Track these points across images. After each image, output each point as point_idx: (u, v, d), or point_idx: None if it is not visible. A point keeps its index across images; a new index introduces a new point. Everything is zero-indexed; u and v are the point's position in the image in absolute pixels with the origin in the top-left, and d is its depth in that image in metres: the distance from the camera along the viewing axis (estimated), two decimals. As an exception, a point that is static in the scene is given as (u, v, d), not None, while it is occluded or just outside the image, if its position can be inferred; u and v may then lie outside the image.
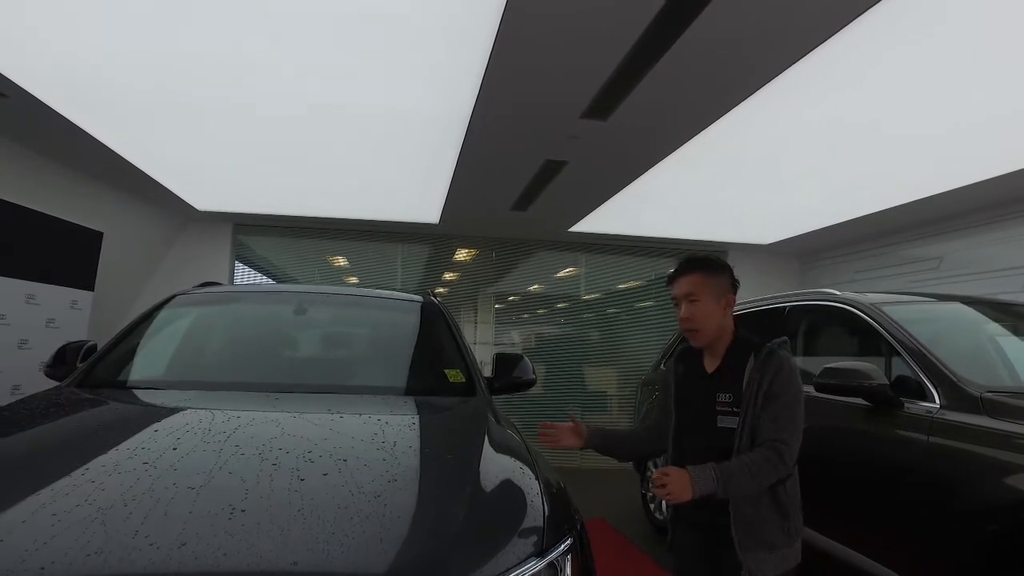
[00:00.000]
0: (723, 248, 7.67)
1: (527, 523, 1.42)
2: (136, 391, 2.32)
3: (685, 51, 3.05)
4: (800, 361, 2.73)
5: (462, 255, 8.17)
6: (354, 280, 8.02)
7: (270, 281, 8.05)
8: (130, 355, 2.54)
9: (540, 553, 1.34)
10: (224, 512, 1.24)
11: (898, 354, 2.91)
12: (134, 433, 1.74)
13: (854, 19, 2.74)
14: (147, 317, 2.75)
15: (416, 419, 2.11)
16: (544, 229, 7.30)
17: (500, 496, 1.55)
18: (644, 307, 8.42)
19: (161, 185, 5.64)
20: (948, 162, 4.55)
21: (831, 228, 6.58)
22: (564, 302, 8.59)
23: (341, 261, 7.96)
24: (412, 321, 3.02)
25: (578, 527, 1.55)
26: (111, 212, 5.72)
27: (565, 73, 3.35)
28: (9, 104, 3.83)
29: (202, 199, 6.34)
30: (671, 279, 2.00)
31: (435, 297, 3.27)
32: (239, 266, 7.54)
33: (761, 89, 3.44)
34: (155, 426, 1.83)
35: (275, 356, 2.74)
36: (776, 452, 1.76)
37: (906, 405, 2.71)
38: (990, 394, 2.47)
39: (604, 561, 4.15)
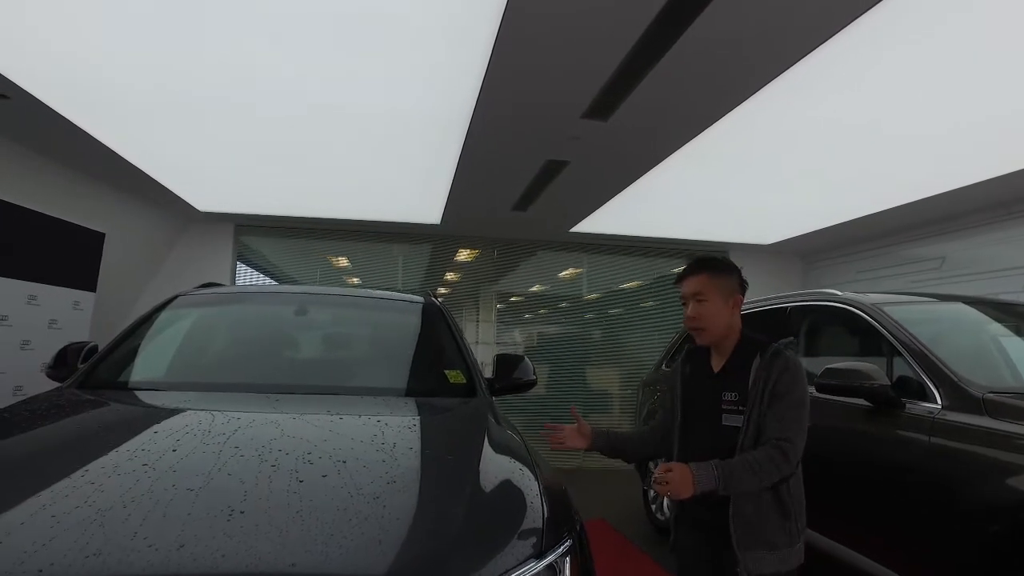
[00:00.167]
0: (724, 248, 7.66)
1: (526, 524, 1.42)
2: (137, 392, 2.32)
3: (686, 51, 3.04)
4: (801, 362, 2.73)
5: (463, 255, 8.17)
6: (355, 280, 8.03)
7: (272, 282, 8.05)
8: (131, 356, 2.55)
9: (539, 555, 1.34)
10: (223, 514, 1.24)
11: (899, 354, 2.90)
12: (134, 434, 1.74)
13: (854, 19, 2.73)
14: (148, 318, 2.76)
15: (416, 420, 2.11)
16: (545, 229, 7.30)
17: (499, 497, 1.55)
18: (646, 307, 8.42)
19: (162, 186, 5.65)
20: (949, 162, 4.54)
21: (833, 228, 6.57)
22: (566, 302, 8.59)
23: (342, 262, 7.96)
24: (412, 322, 3.02)
25: (577, 528, 1.55)
26: (113, 213, 5.73)
27: (566, 73, 3.35)
28: (10, 105, 3.83)
29: (203, 200, 6.35)
30: (680, 278, 2.02)
31: (436, 298, 3.27)
32: (241, 267, 7.54)
33: (762, 89, 3.44)
34: (155, 427, 1.83)
35: (276, 357, 2.74)
36: (780, 451, 1.76)
37: (907, 406, 2.71)
38: (992, 395, 2.47)
39: (604, 561, 4.15)
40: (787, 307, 3.73)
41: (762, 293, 4.11)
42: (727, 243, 7.61)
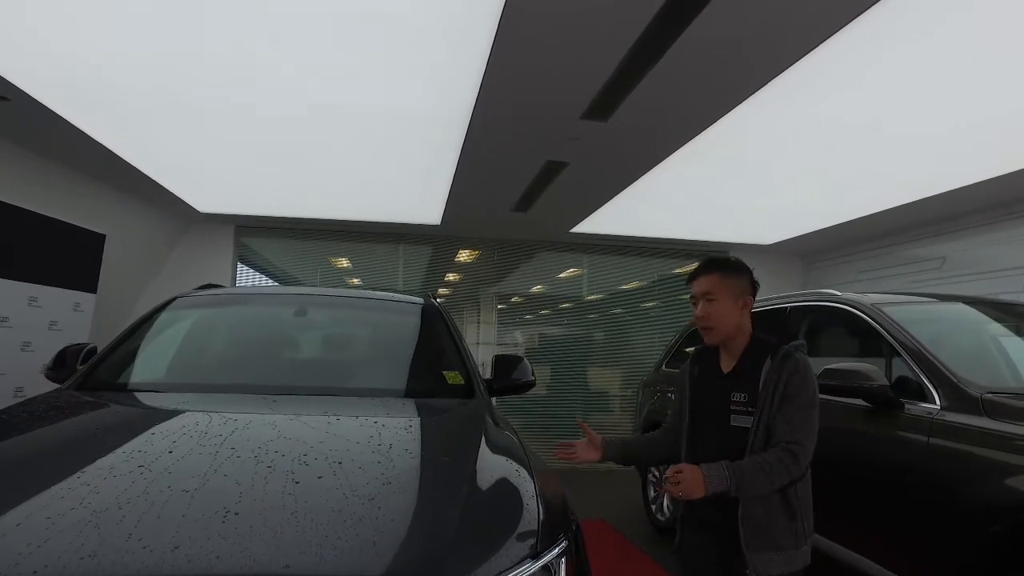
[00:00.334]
0: (724, 248, 7.66)
1: (521, 526, 1.42)
2: (135, 394, 2.32)
3: (685, 51, 3.04)
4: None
5: (464, 256, 8.18)
6: (356, 281, 8.03)
7: (272, 283, 8.06)
8: (130, 358, 2.55)
9: (534, 556, 1.34)
10: (218, 515, 1.24)
11: (898, 355, 2.90)
12: (131, 436, 1.75)
13: (854, 18, 2.73)
14: (147, 320, 2.76)
15: (413, 421, 2.11)
16: (545, 230, 7.30)
17: (495, 499, 1.55)
18: (647, 307, 8.42)
19: (162, 187, 5.66)
20: (950, 162, 4.53)
21: (833, 228, 6.57)
22: (567, 303, 8.59)
23: (343, 262, 7.97)
24: (411, 323, 3.02)
25: (573, 529, 1.55)
26: (113, 214, 5.74)
27: (565, 74, 3.35)
28: (10, 107, 3.84)
29: (204, 201, 6.35)
30: (691, 278, 2.03)
31: (435, 299, 3.27)
32: (241, 268, 7.55)
33: (761, 89, 3.43)
34: (152, 429, 1.84)
35: (274, 358, 2.74)
36: (790, 453, 1.77)
37: (906, 406, 2.71)
38: (990, 395, 2.47)
39: (604, 561, 4.17)
40: (787, 307, 3.73)
41: (762, 293, 4.07)
42: (727, 243, 7.60)
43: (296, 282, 7.83)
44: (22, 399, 2.43)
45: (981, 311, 3.52)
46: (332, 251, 7.87)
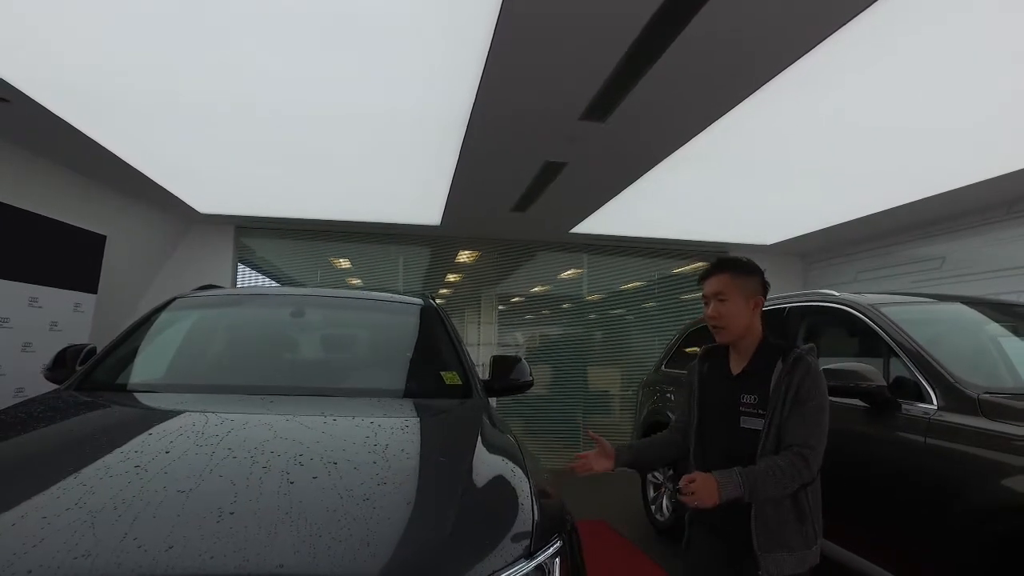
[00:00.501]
0: (724, 249, 7.66)
1: (516, 525, 1.42)
2: (133, 394, 2.33)
3: (683, 51, 3.05)
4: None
5: (464, 256, 8.19)
6: (357, 282, 8.04)
7: (273, 283, 8.07)
8: (128, 358, 2.56)
9: (528, 555, 1.34)
10: (212, 515, 1.25)
11: (896, 355, 2.90)
12: (128, 436, 1.75)
13: (853, 17, 2.73)
14: (146, 320, 2.77)
15: (409, 422, 2.11)
16: (545, 230, 7.31)
17: (490, 498, 1.56)
18: (647, 308, 8.42)
19: (163, 188, 5.67)
20: (950, 161, 4.53)
21: (832, 228, 6.57)
22: (567, 303, 8.59)
23: (343, 263, 7.98)
24: (408, 323, 3.02)
25: (568, 529, 1.56)
26: (113, 215, 5.76)
27: (562, 75, 3.36)
28: (10, 108, 3.85)
29: (204, 202, 6.37)
30: (702, 277, 2.05)
31: (434, 300, 3.27)
32: (242, 268, 7.57)
33: (760, 89, 3.43)
34: (149, 429, 1.84)
35: (272, 359, 2.75)
36: (802, 458, 1.78)
37: (904, 406, 2.71)
38: (987, 395, 2.47)
39: (604, 562, 4.17)
40: (785, 308, 3.73)
41: (761, 294, 4.10)
42: (727, 243, 7.61)
43: (296, 283, 7.84)
44: (22, 399, 2.44)
45: (980, 311, 3.51)
46: (332, 252, 7.88)
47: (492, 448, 1.87)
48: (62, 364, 2.57)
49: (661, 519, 4.65)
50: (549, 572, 1.37)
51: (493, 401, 2.83)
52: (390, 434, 1.88)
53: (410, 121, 4.12)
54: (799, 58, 3.08)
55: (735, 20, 2.79)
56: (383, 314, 3.13)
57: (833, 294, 3.47)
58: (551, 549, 1.40)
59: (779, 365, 1.88)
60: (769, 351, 1.95)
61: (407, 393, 2.49)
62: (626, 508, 5.29)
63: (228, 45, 3.17)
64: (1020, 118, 3.68)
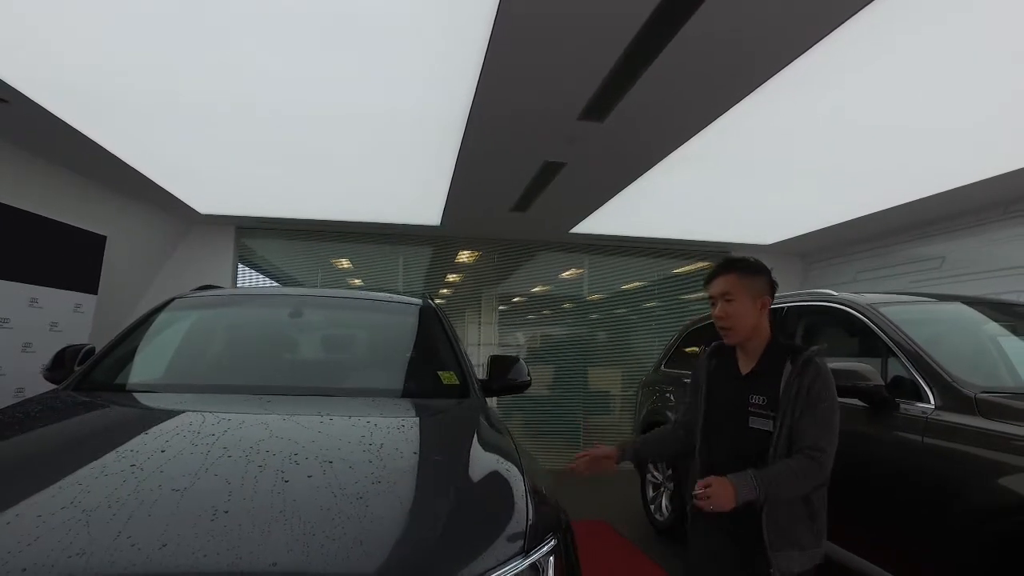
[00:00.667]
0: (724, 249, 7.66)
1: (510, 524, 1.43)
2: (130, 394, 2.33)
3: (681, 51, 3.04)
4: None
5: (464, 257, 8.19)
6: (357, 282, 8.05)
7: (273, 284, 8.08)
8: (127, 358, 2.57)
9: (522, 554, 1.35)
10: (207, 514, 1.25)
11: (894, 355, 2.90)
12: (124, 435, 1.76)
13: (853, 15, 2.72)
14: (145, 321, 2.78)
15: (406, 421, 2.11)
16: (545, 230, 7.31)
17: (484, 497, 1.56)
18: (648, 308, 8.42)
19: (163, 188, 5.68)
20: (950, 161, 4.53)
21: (832, 228, 6.57)
22: (568, 303, 8.60)
23: (344, 263, 7.99)
24: (405, 323, 3.03)
25: (563, 528, 1.56)
26: (114, 216, 5.77)
27: (560, 75, 3.36)
28: (9, 109, 3.86)
29: (204, 202, 6.38)
30: (709, 278, 2.05)
31: (432, 300, 3.28)
32: (242, 269, 7.57)
33: (759, 88, 3.43)
34: (145, 429, 1.85)
35: (270, 359, 2.75)
36: (816, 460, 1.81)
37: (902, 406, 2.71)
38: (985, 394, 2.47)
39: (604, 561, 4.17)
40: (783, 307, 3.73)
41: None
42: (727, 243, 7.60)
43: (297, 283, 7.85)
44: (21, 400, 2.45)
45: (979, 311, 3.51)
46: (332, 252, 7.89)
47: (488, 447, 1.87)
48: (61, 364, 2.58)
49: (660, 519, 4.65)
50: (543, 571, 1.38)
51: (493, 401, 2.84)
52: (386, 433, 1.89)
53: (410, 121, 4.13)
54: (798, 57, 3.08)
55: (733, 19, 2.79)
56: (380, 314, 3.14)
57: (831, 293, 3.47)
58: (545, 548, 1.41)
59: (788, 366, 1.89)
60: (778, 352, 1.96)
61: (404, 393, 2.50)
62: (626, 508, 5.29)
63: (228, 45, 3.17)
64: (1019, 118, 3.67)
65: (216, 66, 3.40)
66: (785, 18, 2.77)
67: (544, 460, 7.19)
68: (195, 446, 1.61)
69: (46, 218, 4.83)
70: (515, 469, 1.70)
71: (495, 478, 1.68)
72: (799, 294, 3.78)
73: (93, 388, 2.31)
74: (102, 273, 5.47)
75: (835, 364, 2.80)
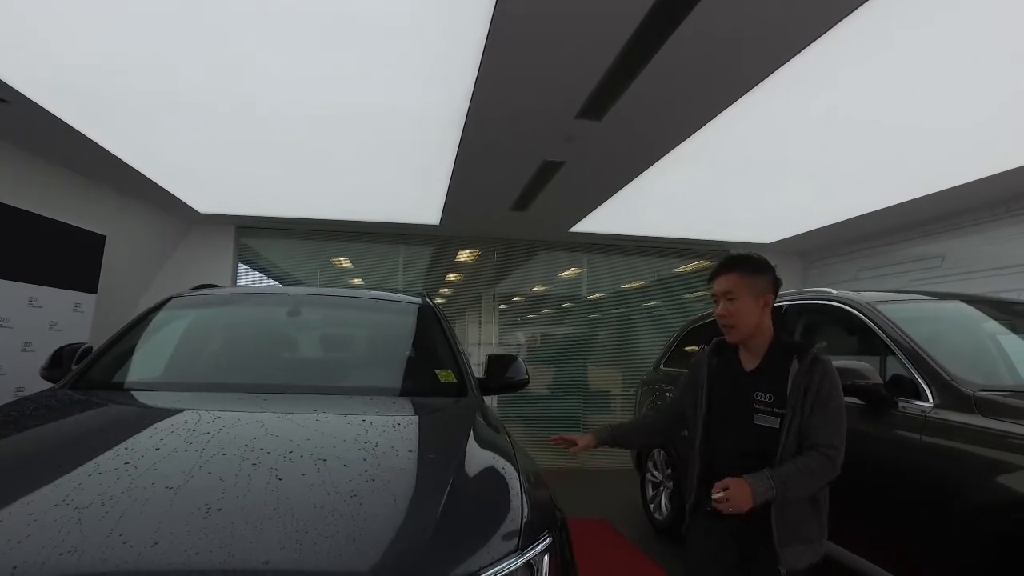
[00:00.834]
0: (724, 248, 7.64)
1: (505, 522, 1.42)
2: (127, 392, 2.34)
3: (678, 49, 3.04)
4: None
5: (464, 256, 8.19)
6: (358, 282, 8.05)
7: (273, 283, 8.09)
8: (124, 357, 2.57)
9: (517, 552, 1.34)
10: (199, 512, 1.25)
11: (893, 353, 2.89)
12: (119, 433, 1.76)
13: (852, 11, 2.71)
14: (143, 319, 2.78)
15: (402, 420, 2.11)
16: (545, 229, 7.30)
17: (479, 495, 1.56)
18: (648, 307, 8.41)
19: (162, 188, 5.68)
20: (951, 159, 4.52)
21: (833, 227, 6.55)
22: (568, 302, 8.59)
23: (344, 263, 7.99)
24: (403, 322, 3.02)
25: (558, 526, 1.56)
26: (113, 215, 5.77)
27: (557, 74, 3.35)
28: (9, 109, 3.86)
29: (204, 202, 6.38)
30: (712, 276, 2.04)
31: (430, 298, 3.27)
32: (242, 268, 7.58)
33: (758, 86, 3.42)
34: (140, 427, 1.85)
35: (267, 357, 2.75)
36: (829, 458, 1.82)
37: (900, 404, 2.70)
38: (983, 393, 2.46)
39: (603, 560, 4.17)
40: (783, 306, 3.71)
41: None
42: (727, 242, 7.59)
43: (297, 282, 7.85)
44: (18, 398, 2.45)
45: (979, 309, 3.50)
46: (332, 251, 7.89)
47: (484, 445, 1.87)
48: (58, 363, 2.58)
49: (660, 518, 4.64)
50: (538, 569, 1.37)
51: (492, 400, 2.83)
52: (381, 432, 1.89)
53: (409, 121, 4.13)
54: (797, 54, 3.07)
55: (730, 17, 2.78)
56: (378, 313, 3.13)
57: (831, 292, 3.46)
58: (540, 546, 1.40)
59: (795, 364, 1.89)
60: (783, 349, 1.96)
61: (401, 391, 2.50)
62: (626, 508, 5.28)
63: (228, 45, 3.17)
64: (1020, 116, 3.66)
65: (216, 66, 3.40)
66: (783, 15, 2.76)
67: (544, 459, 7.18)
68: (189, 444, 1.61)
69: (46, 217, 4.83)
70: (511, 467, 1.70)
71: (490, 476, 1.68)
72: (798, 293, 3.77)
73: (90, 387, 2.31)
74: (102, 273, 5.47)
75: (834, 362, 2.80)
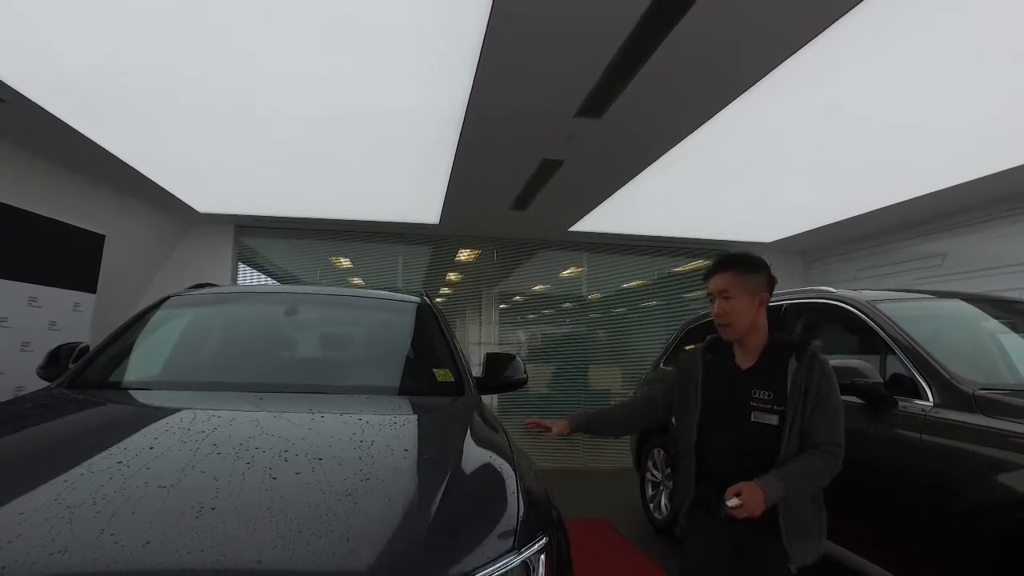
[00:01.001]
0: (724, 247, 7.63)
1: (501, 522, 1.41)
2: (123, 391, 2.33)
3: (677, 47, 3.03)
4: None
5: (464, 255, 8.18)
6: (358, 281, 8.04)
7: (273, 282, 8.08)
8: (121, 356, 2.55)
9: (513, 552, 1.33)
10: (192, 511, 1.24)
11: (893, 352, 2.88)
12: (113, 432, 1.75)
13: (852, 8, 2.70)
14: (140, 318, 2.77)
15: (398, 419, 2.10)
16: (544, 228, 7.29)
17: (475, 495, 1.55)
18: (648, 306, 8.40)
19: (162, 188, 5.68)
20: (952, 157, 4.51)
21: (833, 226, 6.54)
22: (568, 302, 8.58)
23: (343, 262, 7.99)
24: (401, 321, 3.01)
25: (555, 525, 1.55)
26: (112, 215, 5.77)
27: (556, 72, 3.34)
28: (8, 108, 3.86)
29: (203, 201, 6.38)
30: (707, 275, 2.06)
31: (428, 297, 3.26)
32: (242, 268, 7.57)
33: (758, 84, 3.41)
34: (135, 426, 1.84)
35: (264, 356, 2.74)
36: (834, 456, 1.85)
37: (900, 403, 2.69)
38: (983, 391, 2.45)
39: (603, 560, 4.15)
40: (782, 305, 3.70)
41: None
42: (728, 241, 7.58)
43: (296, 282, 7.84)
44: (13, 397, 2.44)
45: (979, 308, 3.49)
46: (332, 251, 7.89)
47: (481, 445, 1.86)
48: (55, 362, 2.57)
49: (660, 517, 4.63)
50: (534, 569, 1.36)
51: (492, 399, 2.82)
52: (377, 431, 1.88)
53: (408, 121, 4.12)
54: (796, 52, 3.06)
55: (729, 15, 2.77)
56: (375, 311, 3.12)
57: (831, 291, 3.45)
58: (536, 546, 1.39)
59: (793, 362, 1.90)
60: (779, 347, 1.98)
61: (398, 390, 2.48)
62: (626, 507, 5.27)
63: (228, 45, 3.17)
64: (1021, 115, 3.65)
65: (216, 66, 3.40)
66: (783, 13, 2.75)
67: (544, 459, 7.18)
68: (184, 443, 1.60)
69: (45, 217, 4.82)
70: (508, 467, 1.69)
71: (487, 476, 1.67)
72: (798, 291, 3.76)
73: (86, 386, 2.30)
74: (101, 272, 5.47)
75: (834, 361, 2.77)
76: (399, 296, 3.34)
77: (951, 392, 2.52)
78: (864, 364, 2.74)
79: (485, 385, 2.74)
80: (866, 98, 3.60)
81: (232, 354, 2.73)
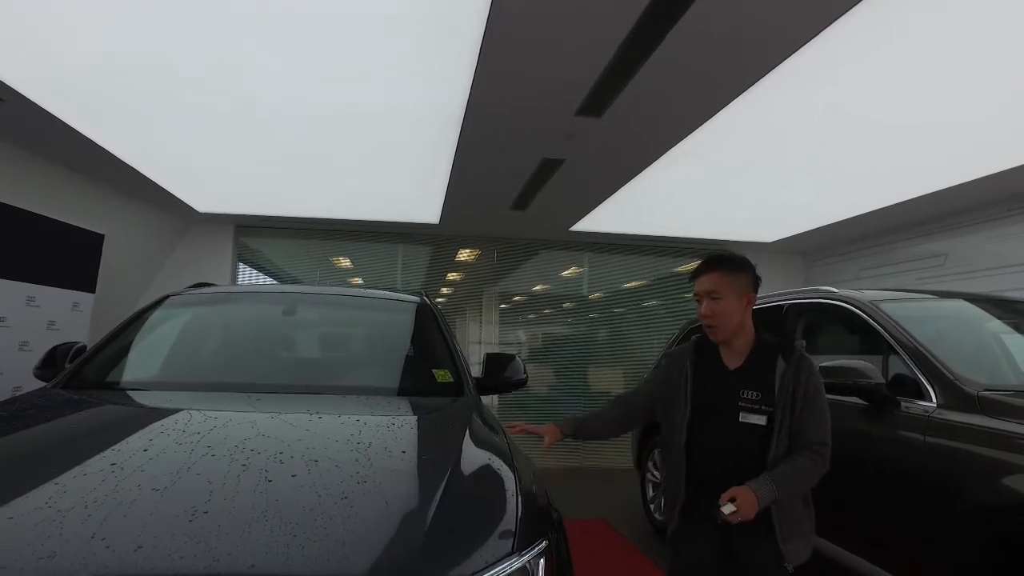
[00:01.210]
0: (725, 246, 7.60)
1: (500, 525, 1.39)
2: (120, 392, 2.31)
3: (677, 45, 3.01)
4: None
5: (464, 255, 8.16)
6: (358, 281, 8.03)
7: (272, 282, 8.07)
8: (118, 356, 2.53)
9: (512, 555, 1.31)
10: (185, 514, 1.22)
11: (895, 352, 2.86)
12: (108, 434, 1.73)
13: (853, 7, 2.68)
14: (138, 318, 2.76)
15: (396, 420, 2.08)
16: (545, 228, 7.28)
17: (474, 496, 1.53)
18: (649, 306, 8.38)
19: (161, 187, 5.67)
20: (953, 157, 4.49)
21: (834, 225, 6.52)
22: (569, 302, 8.56)
23: (343, 262, 7.97)
24: (400, 321, 2.99)
25: (555, 527, 1.53)
26: (112, 214, 5.75)
27: (556, 71, 3.33)
28: (7, 108, 3.84)
29: (203, 201, 6.37)
30: (694, 276, 2.05)
31: (427, 297, 3.24)
32: (241, 267, 7.56)
33: (758, 83, 3.39)
34: (130, 427, 1.81)
35: (263, 356, 2.72)
36: (821, 456, 1.85)
37: (903, 404, 2.67)
38: (987, 392, 2.43)
39: (603, 561, 4.13)
40: (784, 305, 3.69)
41: (762, 291, 4.05)
42: (728, 241, 7.56)
43: (296, 282, 7.83)
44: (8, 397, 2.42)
45: (982, 308, 3.46)
46: (332, 251, 7.87)
47: (480, 446, 1.84)
48: (52, 362, 2.55)
49: (660, 518, 4.61)
50: (533, 572, 1.34)
51: (492, 399, 2.81)
52: (375, 432, 1.85)
53: (408, 120, 4.11)
54: (796, 51, 3.04)
55: (729, 14, 2.75)
56: (374, 311, 3.11)
57: (832, 291, 3.43)
58: (535, 549, 1.37)
59: (780, 362, 1.90)
60: (765, 348, 1.98)
61: (397, 391, 2.46)
62: (626, 508, 5.26)
63: (228, 45, 3.16)
64: (1021, 114, 3.63)
65: (216, 66, 3.39)
66: (783, 12, 2.73)
67: (543, 459, 7.16)
68: (179, 445, 1.58)
69: (44, 216, 4.82)
70: (507, 468, 1.67)
71: (486, 477, 1.65)
72: (800, 291, 3.74)
73: (82, 386, 2.28)
74: (100, 272, 5.46)
75: (836, 362, 2.77)
76: (398, 296, 3.32)
77: (954, 393, 2.50)
78: (866, 365, 2.72)
79: (485, 385, 2.72)
80: (867, 98, 3.58)
81: (230, 354, 2.71)
